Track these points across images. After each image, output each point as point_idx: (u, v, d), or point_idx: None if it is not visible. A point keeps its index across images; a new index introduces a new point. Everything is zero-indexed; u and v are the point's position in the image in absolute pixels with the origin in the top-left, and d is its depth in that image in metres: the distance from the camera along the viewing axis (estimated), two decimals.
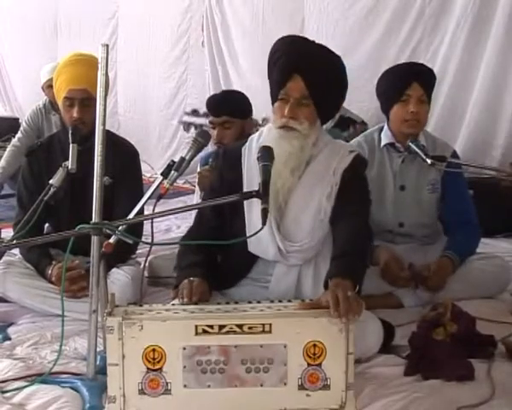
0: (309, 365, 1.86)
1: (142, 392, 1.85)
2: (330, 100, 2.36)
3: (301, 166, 2.32)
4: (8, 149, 5.26)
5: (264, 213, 1.91)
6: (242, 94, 3.64)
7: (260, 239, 2.22)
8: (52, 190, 2.57)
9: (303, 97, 2.27)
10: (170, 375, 1.84)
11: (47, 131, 4.91)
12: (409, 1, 5.38)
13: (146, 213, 2.41)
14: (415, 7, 5.33)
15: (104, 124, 2.09)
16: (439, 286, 2.84)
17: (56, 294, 2.66)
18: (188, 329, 1.83)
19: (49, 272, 2.77)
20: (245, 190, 2.26)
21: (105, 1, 7.81)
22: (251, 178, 2.31)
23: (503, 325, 2.58)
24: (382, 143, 3.04)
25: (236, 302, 2.04)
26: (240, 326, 1.83)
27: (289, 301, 2.04)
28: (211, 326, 1.83)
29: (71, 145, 2.65)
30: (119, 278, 2.78)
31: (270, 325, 1.84)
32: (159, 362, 1.84)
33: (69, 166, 2.59)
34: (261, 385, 1.86)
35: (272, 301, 2.02)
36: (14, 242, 2.63)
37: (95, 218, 2.05)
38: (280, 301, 2.02)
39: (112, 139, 2.61)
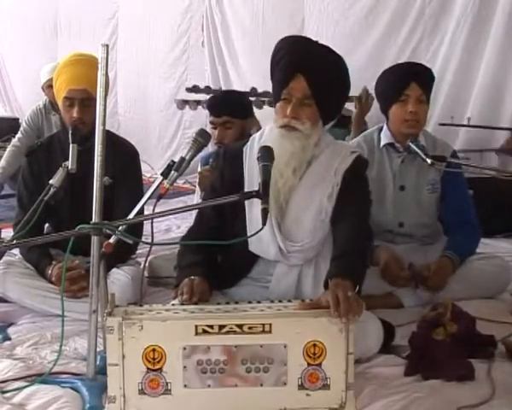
0: (309, 365, 1.86)
1: (142, 392, 1.85)
2: (332, 100, 2.36)
3: (303, 166, 2.32)
4: (8, 149, 5.26)
5: (265, 213, 1.91)
6: (243, 94, 3.64)
7: (261, 239, 2.22)
8: (52, 190, 2.57)
9: (305, 97, 2.27)
10: (170, 375, 1.84)
11: (47, 131, 4.91)
12: (409, 1, 5.39)
13: (146, 213, 2.40)
14: (415, 7, 5.34)
15: (104, 124, 2.09)
16: (440, 286, 2.84)
17: (56, 294, 2.66)
18: (188, 329, 1.83)
19: (49, 272, 2.77)
20: (246, 189, 2.26)
21: (105, 1, 7.82)
22: (252, 177, 2.31)
23: (503, 325, 2.58)
24: (382, 144, 3.04)
25: (236, 302, 2.04)
26: (240, 326, 1.83)
27: (289, 301, 2.04)
28: (211, 326, 1.83)
29: (71, 145, 2.65)
30: (119, 278, 2.78)
31: (270, 325, 1.83)
32: (159, 362, 1.84)
33: (69, 167, 2.59)
34: (261, 385, 1.86)
35: (272, 301, 2.02)
36: (14, 242, 2.63)
37: (95, 218, 2.05)
38: (280, 301, 2.02)
39: (112, 139, 2.61)
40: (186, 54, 7.19)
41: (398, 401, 1.99)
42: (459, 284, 2.86)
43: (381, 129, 3.08)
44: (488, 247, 3.67)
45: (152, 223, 2.16)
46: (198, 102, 5.81)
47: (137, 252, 3.03)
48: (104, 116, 2.09)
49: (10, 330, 2.63)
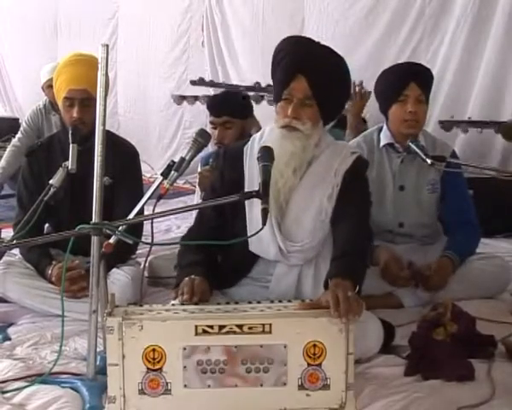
0: (309, 365, 1.86)
1: (142, 392, 1.85)
2: (333, 101, 2.36)
3: (303, 166, 2.32)
4: (8, 150, 5.25)
5: (264, 213, 1.91)
6: (243, 94, 3.64)
7: (261, 239, 2.23)
8: (52, 190, 2.57)
9: (306, 98, 2.27)
10: (170, 375, 1.84)
11: (47, 132, 4.91)
12: (409, 1, 5.39)
13: (146, 213, 2.40)
14: (415, 7, 5.34)
15: (104, 124, 2.09)
16: (440, 286, 2.84)
17: (56, 294, 2.66)
18: (188, 329, 1.83)
19: (49, 272, 2.77)
20: (246, 189, 2.26)
21: (105, 1, 7.82)
22: (252, 177, 2.32)
23: (503, 325, 2.58)
24: (381, 144, 3.04)
25: (236, 302, 2.04)
26: (240, 326, 1.83)
27: (289, 301, 2.04)
28: (211, 326, 1.83)
29: (71, 145, 2.65)
30: (119, 278, 2.78)
31: (270, 325, 1.84)
32: (159, 362, 1.84)
33: (69, 167, 2.59)
34: (261, 385, 1.86)
35: (272, 302, 2.02)
36: (14, 242, 2.63)
37: (95, 218, 2.05)
38: (280, 302, 2.02)
39: (112, 139, 2.61)
40: (186, 54, 7.19)
41: (398, 401, 1.99)
42: (459, 284, 2.86)
43: (380, 129, 3.08)
44: (488, 247, 3.67)
45: (152, 223, 2.16)
46: (196, 98, 5.78)
47: (137, 252, 3.03)
48: (104, 116, 2.09)
49: (10, 331, 2.63)
